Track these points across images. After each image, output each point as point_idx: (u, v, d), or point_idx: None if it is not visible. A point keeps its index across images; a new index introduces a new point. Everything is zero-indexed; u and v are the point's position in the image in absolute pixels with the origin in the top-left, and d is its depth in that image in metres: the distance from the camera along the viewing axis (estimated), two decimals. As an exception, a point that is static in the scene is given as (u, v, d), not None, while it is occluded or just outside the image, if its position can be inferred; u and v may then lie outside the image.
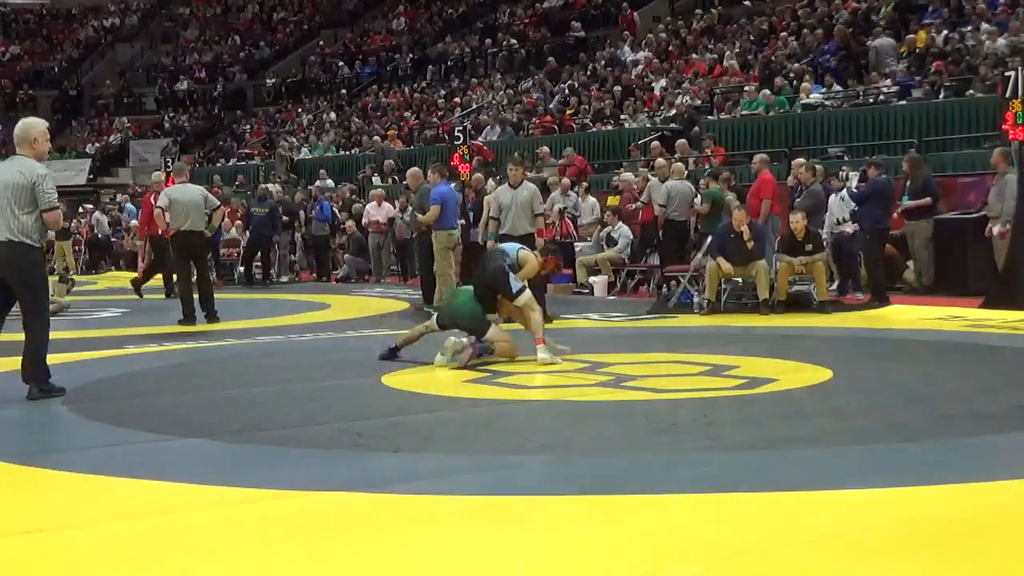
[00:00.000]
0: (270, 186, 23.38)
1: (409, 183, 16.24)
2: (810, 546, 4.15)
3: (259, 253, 20.56)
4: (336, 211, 21.85)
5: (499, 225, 12.66)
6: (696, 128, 21.21)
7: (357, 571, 4.02)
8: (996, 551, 4.14)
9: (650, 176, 16.97)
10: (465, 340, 9.24)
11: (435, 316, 9.47)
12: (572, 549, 4.17)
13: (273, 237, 20.66)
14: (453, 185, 17.96)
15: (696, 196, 15.77)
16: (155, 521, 4.65)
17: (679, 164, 16.44)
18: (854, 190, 14.17)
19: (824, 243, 13.69)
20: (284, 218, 21.07)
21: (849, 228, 14.30)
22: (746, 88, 21.34)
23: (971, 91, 17.77)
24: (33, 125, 7.84)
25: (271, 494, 5.04)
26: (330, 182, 24.68)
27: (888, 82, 19.31)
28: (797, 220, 13.12)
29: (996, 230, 13.20)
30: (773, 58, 22.27)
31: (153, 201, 16.50)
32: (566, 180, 18.70)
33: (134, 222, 26.36)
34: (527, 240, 12.51)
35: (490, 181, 18.76)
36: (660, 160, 16.43)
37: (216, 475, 5.44)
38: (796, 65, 21.54)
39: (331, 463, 5.74)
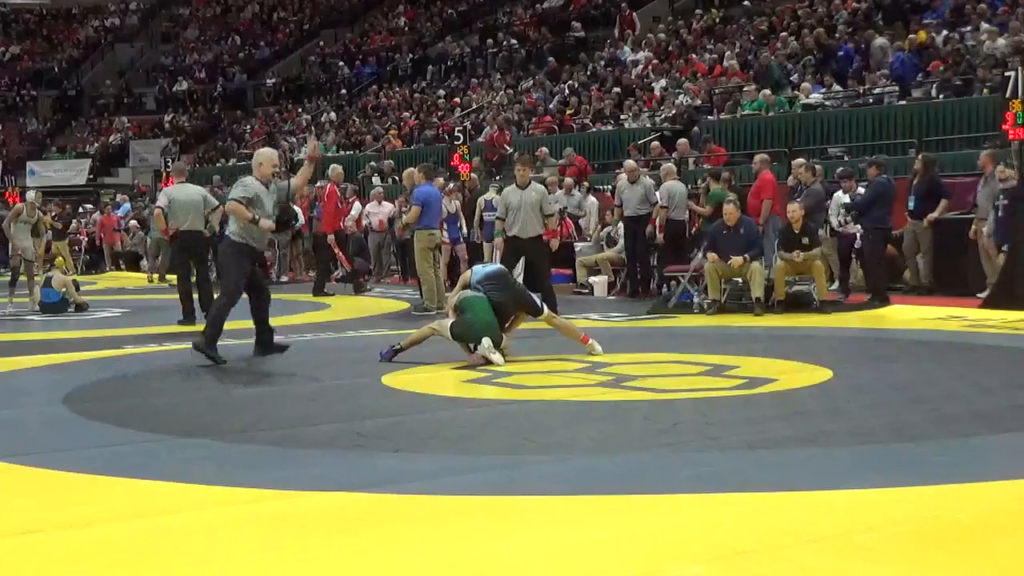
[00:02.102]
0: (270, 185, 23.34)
1: (405, 184, 16.27)
2: (810, 546, 4.15)
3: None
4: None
5: (505, 226, 12.61)
6: (696, 128, 21.21)
7: (357, 571, 4.02)
8: (996, 551, 4.14)
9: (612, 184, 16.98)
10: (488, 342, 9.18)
11: (449, 326, 9.41)
12: (572, 549, 4.17)
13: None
14: (456, 184, 18.02)
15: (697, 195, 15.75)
16: (155, 521, 4.65)
17: (670, 164, 16.26)
18: (855, 200, 14.05)
19: (826, 235, 13.69)
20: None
21: (854, 228, 14.27)
22: (746, 88, 21.35)
23: (971, 91, 17.78)
24: (259, 153, 10.24)
25: (271, 494, 5.04)
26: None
27: (886, 82, 19.31)
28: (794, 210, 13.16)
29: (986, 231, 13.23)
30: (773, 58, 22.27)
31: (340, 194, 17.04)
32: (569, 180, 18.68)
33: (134, 222, 26.35)
34: (536, 242, 12.43)
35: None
36: (629, 163, 16.26)
37: (216, 475, 5.43)
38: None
39: (331, 463, 5.73)
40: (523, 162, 13.08)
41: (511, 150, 22.60)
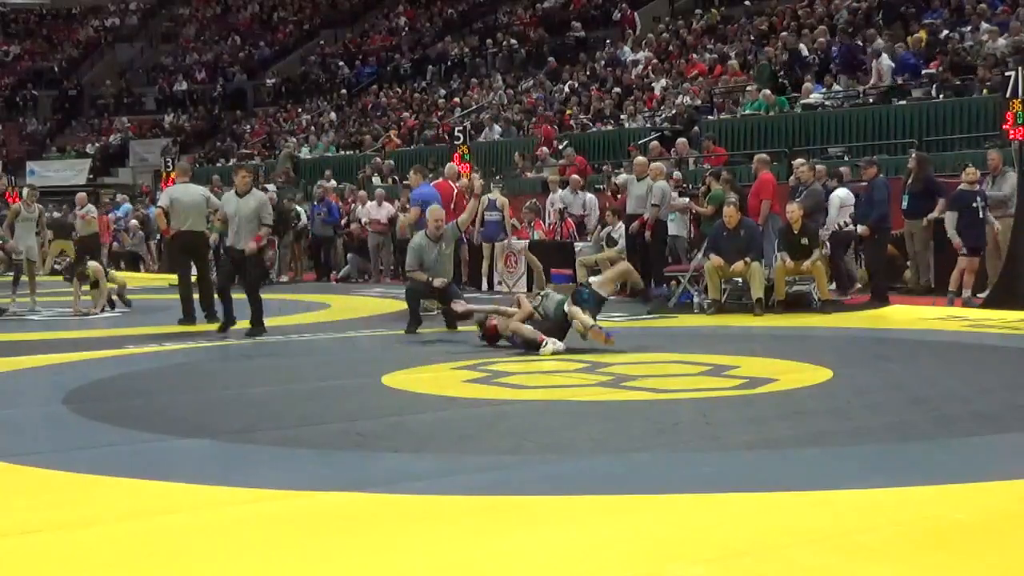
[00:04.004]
0: (270, 187, 23.35)
1: (411, 183, 16.25)
2: (810, 546, 4.15)
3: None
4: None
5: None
6: (696, 128, 21.21)
7: (357, 571, 4.02)
8: (996, 551, 4.14)
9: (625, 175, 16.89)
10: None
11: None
12: (572, 549, 4.17)
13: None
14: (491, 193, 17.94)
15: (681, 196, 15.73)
16: (155, 521, 4.65)
17: (658, 164, 16.23)
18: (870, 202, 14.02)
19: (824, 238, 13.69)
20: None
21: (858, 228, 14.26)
22: (748, 88, 21.33)
23: (971, 91, 17.79)
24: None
25: (271, 494, 5.04)
26: (334, 183, 24.60)
27: (886, 82, 19.30)
28: (793, 210, 13.14)
29: (999, 226, 13.25)
30: (772, 58, 22.28)
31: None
32: (576, 178, 18.65)
33: (134, 221, 26.34)
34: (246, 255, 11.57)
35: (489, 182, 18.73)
36: (640, 159, 16.22)
37: (216, 475, 5.44)
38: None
39: (331, 463, 5.74)
40: (248, 169, 12.55)
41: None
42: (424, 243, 11.91)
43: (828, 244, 14.05)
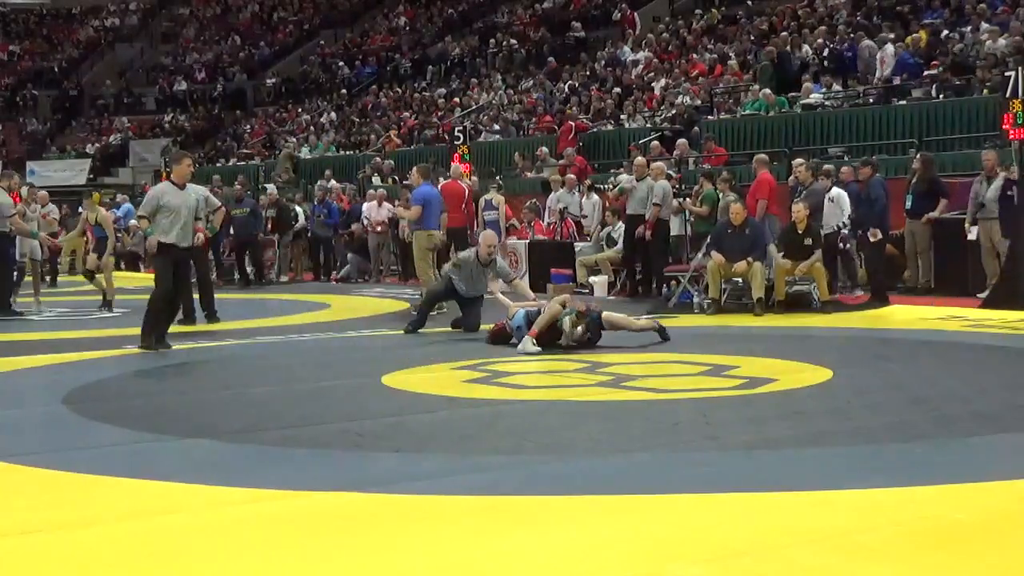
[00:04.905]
0: (270, 186, 23.32)
1: (412, 183, 16.25)
2: (810, 546, 4.15)
3: (247, 253, 20.39)
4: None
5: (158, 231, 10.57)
6: (696, 128, 21.20)
7: (357, 571, 4.03)
8: (996, 551, 4.14)
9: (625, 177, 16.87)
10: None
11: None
12: (572, 549, 4.17)
13: (261, 236, 20.53)
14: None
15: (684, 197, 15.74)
16: (155, 521, 4.65)
17: (660, 163, 16.23)
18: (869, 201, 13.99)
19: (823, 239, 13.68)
20: (269, 217, 20.93)
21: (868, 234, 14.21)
22: (752, 87, 21.31)
23: (971, 91, 17.78)
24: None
25: (271, 494, 5.04)
26: (334, 183, 24.59)
27: (886, 82, 19.30)
28: (799, 210, 13.08)
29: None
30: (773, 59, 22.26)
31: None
32: (571, 177, 18.65)
33: (133, 221, 26.32)
34: (193, 251, 11.11)
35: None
36: (640, 159, 16.22)
37: (216, 475, 5.44)
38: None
39: (331, 463, 5.74)
40: (190, 157, 11.67)
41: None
42: (473, 262, 11.89)
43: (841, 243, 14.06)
